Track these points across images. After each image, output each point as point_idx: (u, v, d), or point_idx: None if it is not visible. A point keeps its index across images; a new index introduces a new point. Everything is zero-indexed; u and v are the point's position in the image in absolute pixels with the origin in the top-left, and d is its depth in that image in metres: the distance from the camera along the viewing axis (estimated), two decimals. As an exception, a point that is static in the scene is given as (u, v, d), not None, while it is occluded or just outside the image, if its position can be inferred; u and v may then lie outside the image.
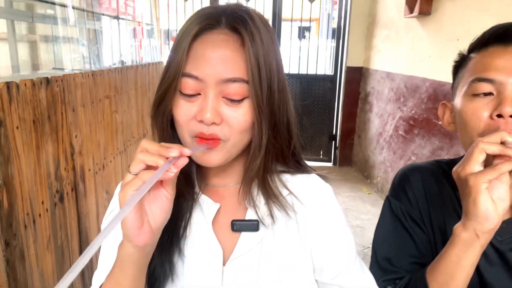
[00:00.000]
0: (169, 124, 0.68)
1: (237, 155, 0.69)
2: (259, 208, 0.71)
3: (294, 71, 4.60)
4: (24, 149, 1.23)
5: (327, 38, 5.96)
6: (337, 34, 4.51)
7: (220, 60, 0.61)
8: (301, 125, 4.71)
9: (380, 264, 0.83)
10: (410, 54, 3.24)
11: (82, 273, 1.67)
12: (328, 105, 4.63)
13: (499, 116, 0.70)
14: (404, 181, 0.89)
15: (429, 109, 2.94)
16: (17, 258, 1.19)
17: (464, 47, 0.84)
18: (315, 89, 4.62)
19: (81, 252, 1.62)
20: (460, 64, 0.83)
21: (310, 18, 4.40)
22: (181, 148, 0.57)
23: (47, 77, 1.38)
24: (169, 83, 0.64)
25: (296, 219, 0.72)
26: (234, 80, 0.62)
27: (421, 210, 0.85)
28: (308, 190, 0.74)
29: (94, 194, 1.76)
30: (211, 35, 0.63)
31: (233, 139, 0.65)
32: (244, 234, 0.71)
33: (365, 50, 4.29)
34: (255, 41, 0.62)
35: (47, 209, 1.36)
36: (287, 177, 0.75)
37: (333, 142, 4.74)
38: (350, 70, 4.40)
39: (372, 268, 0.86)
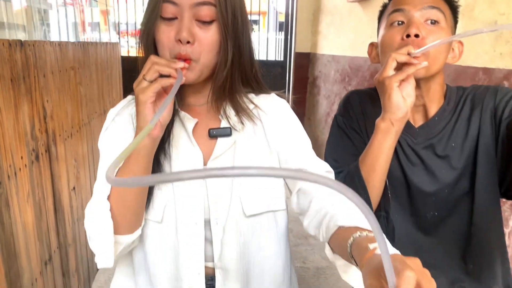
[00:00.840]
0: (152, 46, 0.82)
1: (208, 76, 0.84)
2: (230, 118, 0.88)
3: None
4: (4, 104, 1.30)
5: (274, 31, 6.19)
6: (285, 22, 4.72)
7: None
8: (254, 110, 4.89)
9: (329, 163, 1.02)
10: (353, 37, 3.52)
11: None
12: (279, 90, 4.83)
13: (408, 36, 0.91)
14: (347, 102, 1.12)
15: (371, 85, 3.22)
16: (3, 205, 1.26)
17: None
18: (265, 74, 4.80)
19: (56, 211, 1.69)
20: (383, 10, 1.04)
21: (259, 11, 4.59)
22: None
23: (21, 40, 1.45)
24: (152, 9, 0.79)
25: (262, 126, 0.89)
26: (204, 3, 0.77)
27: (359, 122, 1.07)
28: (270, 103, 0.92)
29: (65, 160, 1.82)
30: None
31: (203, 58, 0.79)
32: (219, 140, 0.87)
33: (312, 36, 4.55)
34: None
35: (25, 165, 1.42)
36: (252, 95, 0.92)
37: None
38: (298, 55, 4.64)
39: None
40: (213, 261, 0.87)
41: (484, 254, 0.98)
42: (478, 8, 2.01)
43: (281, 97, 0.96)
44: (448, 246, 0.99)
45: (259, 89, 0.94)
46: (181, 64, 0.75)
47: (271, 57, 4.86)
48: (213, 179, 0.86)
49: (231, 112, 0.88)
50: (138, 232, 0.82)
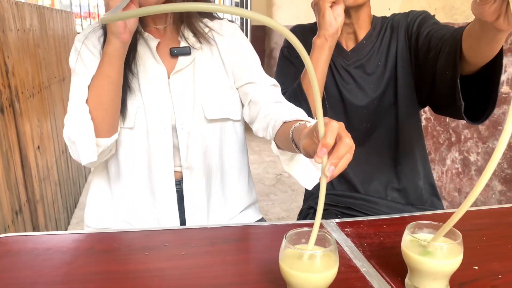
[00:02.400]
0: None
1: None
2: (188, 39, 0.99)
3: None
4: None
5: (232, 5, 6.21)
6: (241, -5, 4.79)
7: None
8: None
9: None
10: (307, 5, 3.65)
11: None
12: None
13: None
14: None
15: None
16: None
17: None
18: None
19: (23, 167, 1.73)
20: None
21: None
22: None
23: (-22, -7, 1.47)
24: None
25: (217, 48, 1.01)
26: None
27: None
28: (223, 27, 1.03)
29: (28, 118, 1.85)
30: None
31: None
32: (180, 57, 0.98)
33: (266, 8, 4.65)
34: None
35: (-9, 115, 1.46)
36: (206, 20, 1.03)
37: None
38: (254, 28, 4.73)
39: None
40: (180, 166, 0.98)
41: (409, 156, 1.15)
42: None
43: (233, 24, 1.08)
44: (380, 153, 1.15)
45: (212, 16, 1.05)
46: None
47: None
48: (177, 88, 0.96)
49: (189, 34, 0.99)
50: (115, 136, 0.91)
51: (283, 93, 1.09)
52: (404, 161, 1.14)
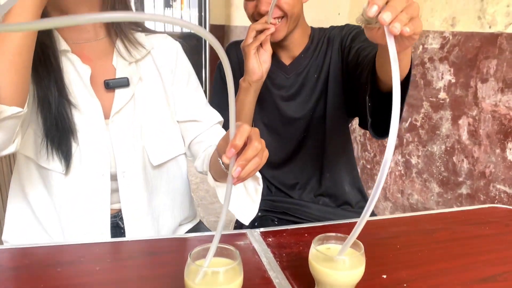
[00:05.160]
0: None
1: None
2: (126, 67, 0.87)
3: (160, 29, 4.73)
4: None
5: (190, 8, 6.11)
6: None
7: None
8: (171, 83, 4.89)
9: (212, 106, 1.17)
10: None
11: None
12: (196, 62, 4.89)
13: (260, 14, 1.06)
14: (226, 53, 1.24)
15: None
16: None
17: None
18: (182, 46, 4.82)
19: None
20: None
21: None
22: None
23: None
24: None
25: (160, 75, 0.93)
26: None
27: (235, 71, 1.21)
28: (165, 47, 0.95)
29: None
30: None
31: None
32: (118, 91, 0.86)
33: (225, 8, 4.64)
34: None
35: None
36: (141, 35, 0.92)
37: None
38: (213, 28, 4.71)
39: None
40: (119, 202, 0.90)
41: (334, 164, 1.19)
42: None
43: (174, 38, 0.99)
44: (311, 161, 1.19)
45: (147, 30, 0.94)
46: None
47: (186, 30, 4.85)
48: (117, 131, 0.87)
49: (125, 61, 0.87)
50: (19, 110, 0.70)
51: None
52: (331, 169, 1.18)
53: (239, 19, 4.27)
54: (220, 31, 4.72)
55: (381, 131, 0.90)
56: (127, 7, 0.89)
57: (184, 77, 0.97)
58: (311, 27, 1.20)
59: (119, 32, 0.89)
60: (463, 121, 1.74)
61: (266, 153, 0.64)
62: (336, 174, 1.19)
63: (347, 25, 1.16)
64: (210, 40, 0.45)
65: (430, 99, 1.89)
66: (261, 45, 1.05)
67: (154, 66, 0.93)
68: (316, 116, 1.16)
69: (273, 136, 1.19)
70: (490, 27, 1.58)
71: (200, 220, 1.13)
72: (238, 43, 1.25)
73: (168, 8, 5.50)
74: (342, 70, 1.12)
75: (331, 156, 1.18)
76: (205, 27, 4.76)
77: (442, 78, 1.83)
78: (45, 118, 0.80)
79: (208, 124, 0.98)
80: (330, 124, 1.15)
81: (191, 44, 4.83)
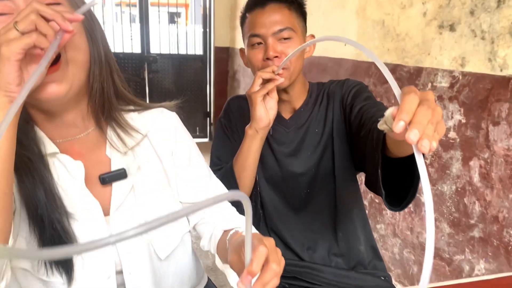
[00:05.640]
0: None
1: (78, 97, 0.74)
2: (121, 157, 0.80)
3: (165, 51, 4.75)
4: None
5: (195, 24, 6.14)
6: (203, 16, 4.77)
7: None
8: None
9: (213, 160, 1.18)
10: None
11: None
12: (200, 84, 4.89)
13: (268, 58, 1.05)
14: (228, 107, 1.26)
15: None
16: None
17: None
18: (187, 69, 4.83)
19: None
20: (242, 22, 1.17)
21: (177, 3, 4.58)
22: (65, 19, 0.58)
23: None
24: None
25: (158, 157, 0.86)
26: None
27: (237, 123, 1.22)
28: (159, 122, 0.86)
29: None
30: None
31: (72, 62, 0.68)
32: (115, 185, 0.79)
33: (230, 31, 4.65)
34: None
35: None
36: (134, 116, 0.84)
37: (208, 118, 5.03)
38: (218, 50, 4.71)
39: (210, 164, 1.18)
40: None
41: (348, 222, 1.16)
42: (369, 9, 2.23)
43: (170, 109, 0.91)
44: (320, 219, 1.15)
45: (139, 105, 0.87)
46: (68, 26, 0.58)
47: (191, 52, 4.87)
48: (119, 228, 0.79)
49: (119, 149, 0.80)
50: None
51: (217, 170, 1.09)
52: (344, 227, 1.15)
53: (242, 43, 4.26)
54: (224, 53, 4.72)
55: (395, 201, 0.87)
56: (115, 86, 0.81)
57: (185, 156, 0.90)
58: (309, 82, 1.19)
59: (109, 120, 0.81)
60: (474, 163, 1.70)
61: (282, 263, 0.61)
62: (350, 233, 1.15)
63: (347, 80, 1.15)
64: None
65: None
66: (267, 92, 1.04)
67: (153, 150, 0.86)
68: (322, 171, 1.13)
69: (276, 192, 1.17)
70: (501, 70, 1.55)
71: (208, 278, 1.09)
72: (239, 97, 1.27)
73: (173, 24, 5.53)
74: (346, 128, 1.10)
75: (343, 213, 1.14)
76: (209, 48, 4.77)
77: (452, 117, 1.79)
78: (39, 233, 0.71)
79: (214, 210, 0.92)
80: (339, 179, 1.13)
81: (196, 66, 4.84)
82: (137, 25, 4.58)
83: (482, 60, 1.63)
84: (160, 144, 0.86)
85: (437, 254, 1.92)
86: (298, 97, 1.15)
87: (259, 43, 1.07)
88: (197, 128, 5.06)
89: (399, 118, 0.51)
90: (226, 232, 0.80)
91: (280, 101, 1.10)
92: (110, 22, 4.52)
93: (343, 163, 1.12)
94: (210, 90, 4.92)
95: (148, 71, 4.70)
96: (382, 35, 2.15)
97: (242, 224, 0.79)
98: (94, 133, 0.81)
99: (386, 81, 2.17)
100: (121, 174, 0.79)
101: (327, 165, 1.12)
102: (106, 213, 0.78)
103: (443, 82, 1.83)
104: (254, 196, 1.15)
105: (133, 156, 0.82)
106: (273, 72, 1.02)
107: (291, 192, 1.14)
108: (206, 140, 5.05)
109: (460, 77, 1.74)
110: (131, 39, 4.58)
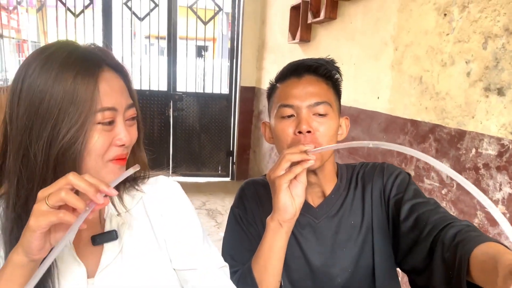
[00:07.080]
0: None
1: None
2: (114, 218, 0.79)
3: (191, 89, 4.73)
4: None
5: (221, 58, 6.15)
6: (231, 55, 4.75)
7: None
8: (200, 142, 4.84)
9: (225, 259, 0.97)
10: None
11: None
12: (225, 122, 4.83)
13: (300, 132, 0.91)
14: (242, 193, 1.08)
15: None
16: None
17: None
18: (212, 107, 4.79)
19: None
20: (271, 92, 1.04)
21: (205, 38, 4.58)
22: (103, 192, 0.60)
23: None
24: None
25: (149, 221, 0.82)
26: None
27: (254, 213, 1.04)
28: (159, 192, 0.84)
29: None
30: None
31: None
32: (106, 245, 0.78)
33: (256, 71, 4.60)
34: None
35: None
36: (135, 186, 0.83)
37: (231, 157, 4.94)
38: (243, 89, 4.67)
39: None
40: None
41: None
42: (405, 63, 2.11)
43: (172, 178, 0.89)
44: None
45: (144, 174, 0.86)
46: (100, 200, 0.60)
47: (217, 90, 4.83)
48: None
49: (113, 211, 0.80)
50: None
51: (233, 272, 0.93)
52: None
53: (268, 83, 4.20)
54: (250, 93, 4.67)
55: None
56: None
57: (178, 222, 0.84)
58: (337, 163, 1.04)
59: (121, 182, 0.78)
60: (528, 245, 1.50)
61: None
62: None
63: (386, 166, 1.00)
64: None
65: (486, 210, 1.67)
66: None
67: (145, 212, 0.83)
68: (360, 270, 0.97)
69: None
70: (561, 144, 1.38)
71: None
72: (254, 182, 1.10)
73: (200, 57, 5.54)
74: (388, 221, 0.96)
75: None
76: (235, 87, 4.73)
77: (500, 189, 1.62)
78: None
79: (209, 272, 0.83)
80: (379, 279, 0.97)
81: (221, 105, 4.80)
82: (164, 58, 4.59)
83: (537, 131, 1.46)
84: (152, 206, 0.84)
85: None
86: (329, 181, 1.00)
87: (291, 116, 0.93)
88: (219, 166, 4.96)
89: None
90: None
91: (307, 185, 0.93)
92: (138, 54, 4.54)
93: (384, 261, 0.97)
94: (234, 129, 4.84)
95: (173, 109, 4.67)
96: (419, 92, 2.01)
97: None
98: None
99: (423, 141, 2.02)
100: (112, 236, 0.77)
101: (366, 264, 0.97)
102: (91, 275, 0.77)
103: (489, 150, 1.66)
104: None
105: (125, 217, 0.81)
106: (304, 152, 0.85)
107: None
108: (227, 179, 4.94)
109: (511, 146, 1.57)
110: (158, 77, 4.59)
